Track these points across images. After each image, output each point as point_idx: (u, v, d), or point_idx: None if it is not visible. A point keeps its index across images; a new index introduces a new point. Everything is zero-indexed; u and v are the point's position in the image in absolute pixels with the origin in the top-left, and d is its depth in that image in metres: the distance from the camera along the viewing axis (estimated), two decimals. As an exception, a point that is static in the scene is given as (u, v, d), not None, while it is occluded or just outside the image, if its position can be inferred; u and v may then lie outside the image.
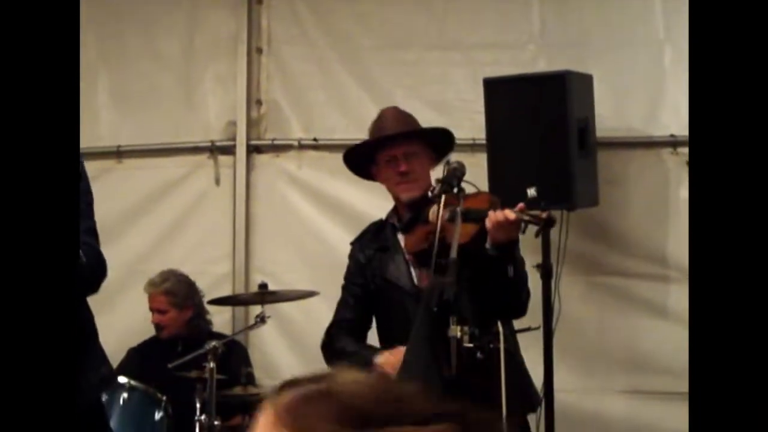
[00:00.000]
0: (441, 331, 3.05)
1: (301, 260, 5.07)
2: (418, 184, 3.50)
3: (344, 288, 3.70)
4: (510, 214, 3.12)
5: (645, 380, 4.65)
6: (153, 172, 5.32)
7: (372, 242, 3.64)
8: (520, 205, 3.19)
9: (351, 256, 3.71)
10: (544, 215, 3.23)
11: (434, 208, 3.24)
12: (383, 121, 3.65)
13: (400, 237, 3.54)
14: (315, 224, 5.10)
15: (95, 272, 2.66)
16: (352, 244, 3.74)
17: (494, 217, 3.12)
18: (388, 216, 3.66)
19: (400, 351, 3.28)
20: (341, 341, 3.61)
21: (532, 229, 3.21)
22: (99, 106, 5.31)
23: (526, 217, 3.17)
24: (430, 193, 3.41)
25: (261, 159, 5.26)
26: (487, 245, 3.16)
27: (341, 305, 3.69)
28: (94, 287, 2.68)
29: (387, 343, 3.51)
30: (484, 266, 3.19)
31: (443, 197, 3.18)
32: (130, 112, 5.34)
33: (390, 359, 3.34)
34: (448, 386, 3.10)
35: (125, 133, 5.30)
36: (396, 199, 3.60)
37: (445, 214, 3.14)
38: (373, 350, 3.52)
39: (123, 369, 4.68)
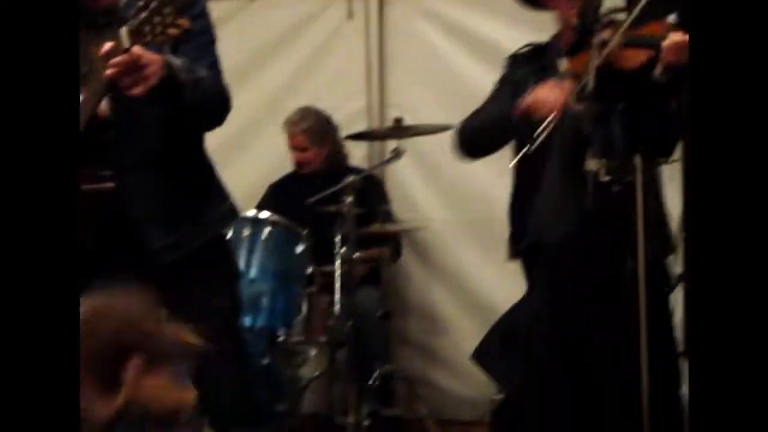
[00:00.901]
0: (578, 163, 3.01)
1: (436, 94, 5.04)
2: None
3: (493, 90, 3.53)
4: None
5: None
6: (286, 9, 5.31)
7: (529, 61, 3.50)
8: None
9: (505, 67, 3.57)
10: None
11: (607, 32, 3.09)
12: None
13: (562, 61, 3.39)
14: (450, 57, 5.04)
15: (218, 105, 2.70)
16: (508, 57, 3.60)
17: (677, 37, 3.00)
18: (552, 40, 3.51)
19: (552, 84, 3.18)
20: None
21: None
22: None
23: None
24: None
25: (394, -8, 5.20)
26: (657, 72, 3.05)
27: (485, 102, 3.52)
28: (218, 120, 2.73)
29: (522, 167, 3.39)
30: (649, 95, 3.09)
31: (625, 22, 3.04)
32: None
33: (539, 93, 3.16)
34: (584, 220, 3.08)
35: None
36: (567, 23, 3.42)
37: (619, 39, 3.00)
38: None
39: (264, 204, 4.80)
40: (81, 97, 2.56)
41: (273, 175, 5.04)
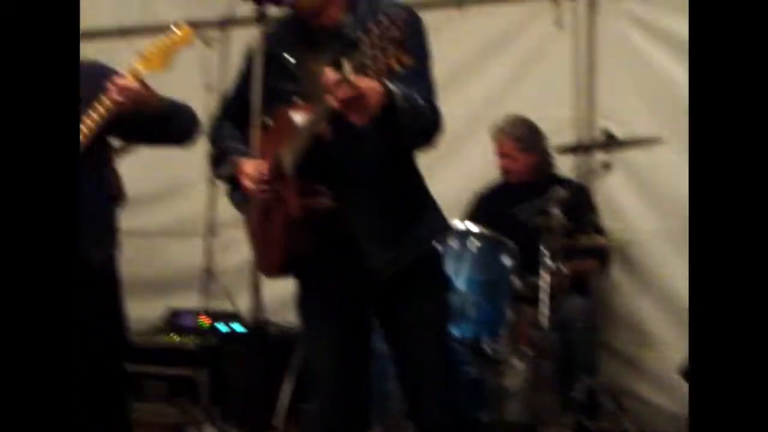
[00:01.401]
0: None
1: (647, 105, 4.95)
2: None
3: None
4: None
5: None
6: (494, 18, 5.34)
7: None
8: None
9: None
10: None
11: None
12: None
13: None
14: (661, 66, 4.95)
15: (432, 127, 2.75)
16: None
17: None
18: None
19: None
20: None
21: None
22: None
23: None
24: None
25: (604, 0, 5.15)
26: None
27: None
28: (431, 141, 2.78)
29: None
30: None
31: None
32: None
33: None
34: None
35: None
36: None
37: None
38: None
39: (471, 214, 4.83)
40: (304, 117, 2.65)
41: (480, 185, 5.07)
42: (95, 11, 5.76)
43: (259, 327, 4.56)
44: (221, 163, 2.95)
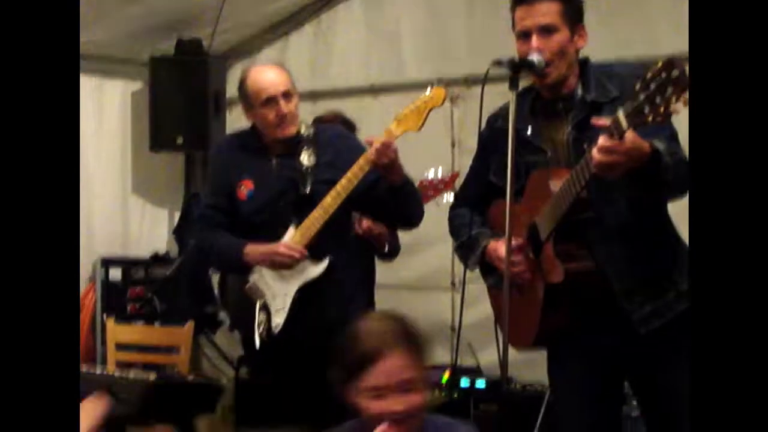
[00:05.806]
0: None
1: None
2: None
3: None
4: None
5: None
6: None
7: None
8: None
9: None
10: None
11: None
12: None
13: None
14: None
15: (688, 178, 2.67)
16: None
17: None
18: None
19: None
20: None
21: None
22: None
23: None
24: None
25: None
26: None
27: None
28: (684, 193, 2.69)
29: None
30: None
31: None
32: None
33: None
34: None
35: None
36: None
37: None
38: None
39: None
40: (562, 183, 2.61)
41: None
42: (348, 71, 5.97)
43: (503, 383, 4.56)
44: (470, 252, 2.93)
